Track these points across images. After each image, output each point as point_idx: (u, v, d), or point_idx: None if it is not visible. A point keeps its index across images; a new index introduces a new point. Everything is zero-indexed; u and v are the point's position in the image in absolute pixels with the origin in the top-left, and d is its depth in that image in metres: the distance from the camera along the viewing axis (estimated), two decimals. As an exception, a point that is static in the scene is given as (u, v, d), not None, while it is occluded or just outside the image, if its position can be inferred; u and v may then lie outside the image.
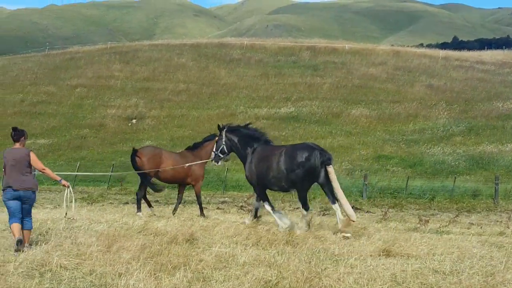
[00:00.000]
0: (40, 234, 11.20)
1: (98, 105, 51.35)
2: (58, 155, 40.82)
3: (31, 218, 10.23)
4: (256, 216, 13.77)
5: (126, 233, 11.19)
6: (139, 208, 15.85)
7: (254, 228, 12.25)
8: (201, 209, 16.56)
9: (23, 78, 60.11)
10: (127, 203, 22.96)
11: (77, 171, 31.75)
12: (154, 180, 16.22)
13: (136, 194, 16.17)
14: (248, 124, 14.29)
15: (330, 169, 12.32)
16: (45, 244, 9.67)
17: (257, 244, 10.58)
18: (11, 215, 9.86)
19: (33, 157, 10.19)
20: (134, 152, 15.89)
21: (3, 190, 9.93)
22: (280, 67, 60.50)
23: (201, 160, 15.95)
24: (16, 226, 9.68)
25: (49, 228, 12.10)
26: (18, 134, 10.20)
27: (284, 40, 79.93)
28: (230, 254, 9.35)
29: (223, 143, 13.89)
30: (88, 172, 34.23)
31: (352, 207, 12.51)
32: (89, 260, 8.57)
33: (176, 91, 53.65)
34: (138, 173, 15.93)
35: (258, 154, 13.22)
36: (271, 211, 13.16)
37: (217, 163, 14.45)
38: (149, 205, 16.57)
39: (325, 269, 8.17)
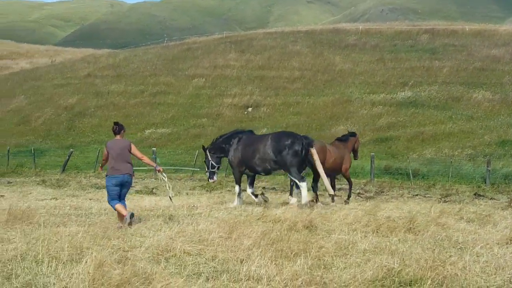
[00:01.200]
0: (164, 221, 11.53)
1: (215, 95, 52.32)
2: (177, 144, 42.01)
3: (125, 201, 11.79)
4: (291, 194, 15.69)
5: (245, 219, 11.32)
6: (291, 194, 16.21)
7: (374, 215, 12.07)
8: (349, 196, 17.70)
9: (143, 69, 62.18)
10: (244, 190, 23.27)
11: (195, 160, 32.55)
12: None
13: (312, 188, 16.47)
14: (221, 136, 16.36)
15: (313, 150, 14.77)
16: (168, 230, 9.95)
17: (377, 232, 10.43)
18: (112, 198, 11.40)
19: (133, 147, 11.74)
20: None
21: (107, 175, 11.44)
22: (397, 52, 59.16)
23: (349, 151, 17.49)
24: (120, 205, 11.29)
25: (172, 215, 12.45)
26: (119, 128, 11.72)
27: (401, 24, 78.13)
28: (350, 241, 9.25)
29: (210, 159, 15.94)
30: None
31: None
32: (211, 246, 8.73)
33: (291, 78, 53.73)
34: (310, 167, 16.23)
35: (244, 141, 15.36)
36: (237, 192, 15.56)
37: (213, 179, 16.31)
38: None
39: (449, 257, 7.91)
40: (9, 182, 26.45)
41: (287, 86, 51.99)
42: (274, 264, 7.57)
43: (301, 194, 14.62)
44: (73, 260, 7.79)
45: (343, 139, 17.80)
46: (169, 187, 13.43)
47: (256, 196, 15.86)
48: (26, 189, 22.67)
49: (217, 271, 7.47)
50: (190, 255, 8.31)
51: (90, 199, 18.40)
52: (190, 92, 53.89)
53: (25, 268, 7.37)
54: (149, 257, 8.07)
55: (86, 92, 56.38)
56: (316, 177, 16.06)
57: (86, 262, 7.06)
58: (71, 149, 35.24)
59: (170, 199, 13.64)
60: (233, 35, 79.39)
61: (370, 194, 21.43)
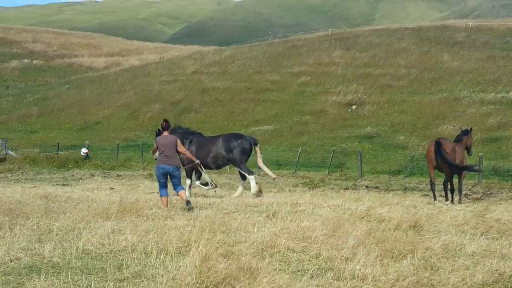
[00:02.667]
0: (267, 217, 11.59)
1: (319, 92, 52.07)
2: (280, 141, 42.14)
3: (180, 184, 13.48)
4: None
5: (349, 218, 11.21)
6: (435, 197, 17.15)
7: (482, 217, 11.66)
8: (460, 195, 17.88)
9: (248, 66, 62.80)
10: (347, 188, 23.08)
11: (298, 157, 32.56)
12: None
13: (444, 185, 17.32)
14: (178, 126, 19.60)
15: (257, 148, 18.22)
16: (272, 226, 9.99)
17: (486, 234, 10.05)
18: (161, 186, 13.19)
19: (178, 142, 13.39)
20: (439, 145, 16.66)
21: (157, 165, 13.22)
22: (509, 49, 56.74)
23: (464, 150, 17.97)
24: (165, 199, 13.15)
25: (275, 211, 12.48)
26: (167, 125, 13.46)
27: (513, 20, 74.96)
28: (458, 243, 8.97)
29: None
30: (309, 158, 35.02)
31: None
32: (314, 243, 8.69)
33: (397, 76, 52.68)
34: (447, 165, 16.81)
35: (196, 143, 18.07)
36: (188, 185, 17.64)
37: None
38: (435, 198, 17.15)
39: None
40: (118, 176, 27.45)
41: (393, 84, 51.01)
42: (380, 263, 7.44)
43: (250, 184, 17.44)
44: (180, 252, 7.97)
45: (458, 139, 18.05)
46: (210, 181, 16.29)
47: (206, 184, 17.62)
48: (135, 183, 23.47)
49: (322, 269, 7.42)
50: (294, 251, 8.31)
51: (195, 194, 18.77)
52: (294, 89, 53.91)
53: (135, 259, 7.60)
54: (253, 252, 8.12)
55: (192, 89, 57.57)
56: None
57: (193, 255, 7.20)
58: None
59: (215, 190, 16.62)
60: (338, 32, 78.77)
61: (477, 195, 20.71)
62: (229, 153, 17.74)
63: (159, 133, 15.88)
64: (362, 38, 66.17)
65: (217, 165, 18.36)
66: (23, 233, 9.04)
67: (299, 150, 33.43)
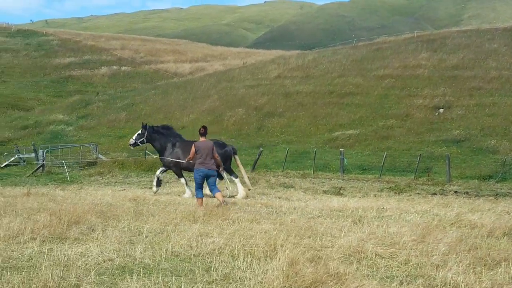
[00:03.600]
0: (353, 222, 11.47)
1: (405, 95, 51.16)
2: (364, 145, 41.67)
3: (216, 186, 14.51)
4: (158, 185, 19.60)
5: (438, 224, 10.94)
6: None
7: None
8: None
9: (331, 70, 62.43)
10: (435, 194, 22.55)
11: (383, 161, 32.08)
12: None
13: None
14: (164, 126, 20.29)
15: (237, 156, 19.77)
16: (359, 231, 9.87)
17: None
18: (198, 187, 14.19)
19: (214, 148, 14.47)
20: None
21: (196, 168, 14.09)
22: None
23: None
24: (201, 200, 14.00)
25: (361, 216, 12.36)
26: (205, 131, 14.38)
27: None
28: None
29: (144, 137, 19.56)
30: (395, 162, 34.46)
31: None
32: (403, 249, 8.54)
33: (487, 78, 51.07)
34: None
35: (181, 147, 19.12)
36: (185, 183, 19.03)
37: (133, 147, 20.63)
38: None
39: None
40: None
41: (483, 86, 49.50)
42: (473, 271, 7.21)
43: (236, 187, 19.06)
44: (267, 256, 7.99)
45: None
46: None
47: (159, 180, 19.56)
48: (219, 186, 23.70)
49: (411, 276, 7.27)
50: (382, 257, 8.18)
51: (279, 198, 18.80)
52: (379, 92, 53.18)
53: (223, 262, 7.67)
54: (340, 257, 8.04)
55: (275, 93, 57.75)
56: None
57: (280, 259, 7.20)
58: (261, 148, 36.28)
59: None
60: (424, 34, 77.17)
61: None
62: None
63: (148, 129, 19.35)
64: (449, 39, 64.59)
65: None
66: (115, 235, 9.31)
67: (384, 155, 32.94)
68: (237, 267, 7.43)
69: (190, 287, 6.50)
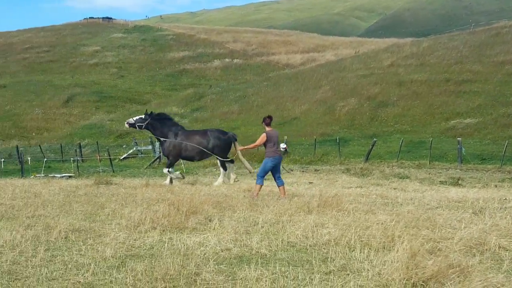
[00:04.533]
0: (474, 213, 11.07)
1: (527, 82, 48.90)
2: (484, 134, 40.18)
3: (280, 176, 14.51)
4: (171, 182, 19.23)
5: None
6: None
7: None
8: None
9: (448, 57, 60.57)
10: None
11: (504, 150, 30.77)
12: None
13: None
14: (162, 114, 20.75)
15: (236, 143, 19.71)
16: (481, 223, 9.50)
17: None
18: (263, 175, 14.22)
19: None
20: None
21: (269, 157, 14.12)
22: None
23: None
24: (260, 187, 14.22)
25: (482, 207, 11.91)
26: (271, 120, 14.49)
27: None
28: None
29: (145, 123, 19.79)
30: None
31: None
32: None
33: None
34: None
35: (183, 135, 19.53)
36: (172, 174, 19.39)
37: (129, 127, 20.58)
38: None
39: None
40: (316, 170, 27.76)
41: None
42: None
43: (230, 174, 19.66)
44: (384, 247, 7.83)
45: None
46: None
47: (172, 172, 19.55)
48: (332, 177, 23.59)
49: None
50: (507, 250, 7.82)
51: (395, 189, 18.45)
52: (499, 79, 51.05)
53: (339, 253, 7.59)
54: (461, 249, 7.76)
55: (388, 82, 56.73)
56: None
57: (398, 250, 7.04)
58: (374, 139, 35.74)
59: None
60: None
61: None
62: (216, 147, 19.46)
63: (151, 118, 19.59)
64: None
65: (201, 157, 20.04)
66: (232, 225, 9.43)
67: (505, 144, 31.54)
68: (354, 258, 7.33)
69: (307, 277, 6.48)
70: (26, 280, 6.33)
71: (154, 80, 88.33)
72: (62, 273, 6.63)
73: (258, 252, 7.73)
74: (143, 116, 20.04)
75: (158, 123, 19.86)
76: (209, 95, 69.82)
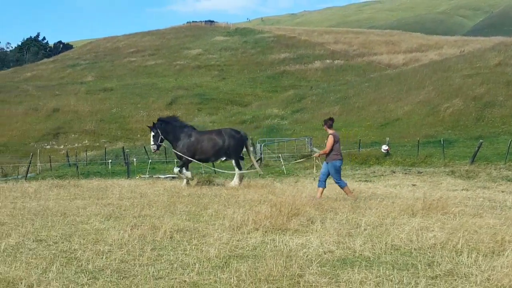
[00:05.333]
0: None
1: None
2: None
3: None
4: (188, 182, 18.57)
5: None
6: None
7: None
8: None
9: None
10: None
11: None
12: None
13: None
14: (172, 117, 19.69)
15: (248, 142, 19.56)
16: None
17: None
18: (325, 178, 14.15)
19: None
20: None
21: (337, 159, 14.06)
22: None
23: None
24: (322, 190, 14.16)
25: None
26: (333, 122, 14.45)
27: None
28: None
29: (160, 135, 18.77)
30: None
31: None
32: None
33: None
34: None
35: (196, 137, 18.68)
36: (187, 174, 18.62)
37: (158, 151, 20.04)
38: None
39: None
40: (419, 172, 27.14)
41: None
42: None
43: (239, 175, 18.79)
44: (494, 252, 7.56)
45: None
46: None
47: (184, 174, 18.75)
48: (436, 179, 22.98)
49: None
50: None
51: (503, 192, 17.75)
52: None
53: (445, 257, 7.39)
54: None
55: (495, 82, 54.66)
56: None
57: (509, 255, 6.78)
58: (481, 140, 34.53)
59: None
60: None
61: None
62: (231, 147, 18.68)
63: (161, 125, 18.63)
64: None
65: (217, 158, 19.26)
66: (334, 227, 9.37)
67: None
68: (461, 263, 7.10)
69: (413, 282, 6.33)
70: (134, 279, 6.53)
71: (255, 82, 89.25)
72: (168, 272, 6.80)
73: (361, 254, 7.64)
74: (153, 133, 18.96)
75: (168, 127, 18.90)
76: (310, 97, 69.70)
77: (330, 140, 14.02)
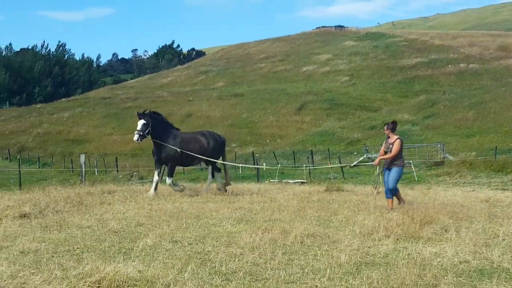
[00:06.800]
0: None
1: None
2: None
3: None
4: (156, 189, 16.33)
5: None
6: None
7: None
8: None
9: None
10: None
11: None
12: None
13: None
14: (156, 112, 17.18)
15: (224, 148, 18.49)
16: None
17: None
18: (396, 185, 13.18)
19: None
20: None
21: (403, 165, 13.35)
22: None
23: None
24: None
25: None
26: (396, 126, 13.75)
27: None
28: None
29: (150, 126, 16.47)
30: None
31: None
32: None
33: None
34: None
35: (183, 139, 16.90)
36: (172, 185, 16.69)
37: (140, 141, 16.61)
38: None
39: None
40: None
41: None
42: None
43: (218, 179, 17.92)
44: None
45: None
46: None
47: (176, 185, 17.06)
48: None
49: None
50: None
51: None
52: None
53: None
54: None
55: None
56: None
57: None
58: None
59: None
60: None
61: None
62: (214, 150, 17.60)
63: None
64: None
65: (199, 161, 18.14)
66: (469, 236, 9.03)
67: None
68: None
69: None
70: (266, 282, 6.60)
71: (385, 87, 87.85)
72: (300, 277, 6.82)
73: (500, 266, 7.31)
74: (144, 121, 16.55)
75: (158, 124, 16.78)
76: (442, 102, 67.61)
77: (397, 145, 13.13)
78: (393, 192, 13.07)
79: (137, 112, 16.97)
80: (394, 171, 13.12)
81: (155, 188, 16.35)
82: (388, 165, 13.24)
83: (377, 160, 13.79)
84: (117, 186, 19.74)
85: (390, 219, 10.30)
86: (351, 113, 74.80)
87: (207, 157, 17.33)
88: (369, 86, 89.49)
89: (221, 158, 18.25)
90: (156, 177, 16.83)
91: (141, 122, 16.42)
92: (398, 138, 13.25)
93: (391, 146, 13.20)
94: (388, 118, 63.19)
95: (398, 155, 13.15)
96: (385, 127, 13.67)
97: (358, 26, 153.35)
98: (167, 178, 16.84)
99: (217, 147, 17.80)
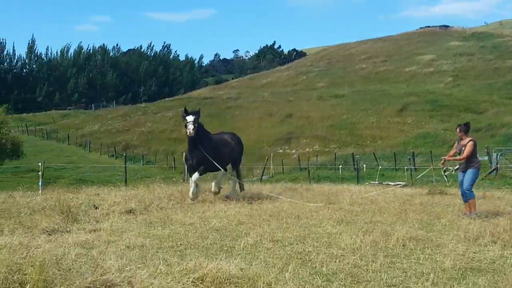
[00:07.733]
0: None
1: None
2: None
3: None
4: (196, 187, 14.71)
5: None
6: None
7: None
8: None
9: None
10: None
11: None
12: None
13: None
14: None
15: None
16: None
17: None
18: (472, 187, 12.80)
19: None
20: None
21: (478, 168, 12.89)
22: None
23: None
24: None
25: None
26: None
27: None
28: None
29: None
30: None
31: None
32: None
33: None
34: None
35: (217, 141, 15.85)
36: (194, 183, 14.62)
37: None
38: None
39: None
40: None
41: None
42: None
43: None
44: None
45: None
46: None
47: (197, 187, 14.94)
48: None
49: None
50: None
51: None
52: None
53: None
54: None
55: None
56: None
57: None
58: None
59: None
60: None
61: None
62: (239, 153, 16.95)
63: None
64: None
65: (230, 164, 16.60)
66: None
67: None
68: None
69: None
70: (367, 284, 6.55)
71: (491, 89, 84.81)
72: (402, 280, 6.72)
73: None
74: (194, 116, 14.89)
75: (199, 125, 15.09)
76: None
77: (470, 147, 12.69)
78: (468, 196, 12.71)
79: (185, 108, 15.56)
80: (470, 172, 12.84)
81: (195, 188, 14.77)
82: (464, 167, 12.96)
83: (442, 161, 13.65)
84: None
85: (496, 224, 9.98)
86: (455, 115, 72.65)
87: (233, 159, 16.49)
88: (474, 87, 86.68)
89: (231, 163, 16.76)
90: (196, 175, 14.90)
91: (193, 118, 14.68)
92: (471, 140, 12.92)
93: (463, 148, 12.90)
94: (494, 121, 61.03)
95: (472, 157, 12.85)
96: (458, 129, 13.29)
97: (464, 26, 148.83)
98: (196, 173, 14.86)
99: (242, 150, 17.16)
